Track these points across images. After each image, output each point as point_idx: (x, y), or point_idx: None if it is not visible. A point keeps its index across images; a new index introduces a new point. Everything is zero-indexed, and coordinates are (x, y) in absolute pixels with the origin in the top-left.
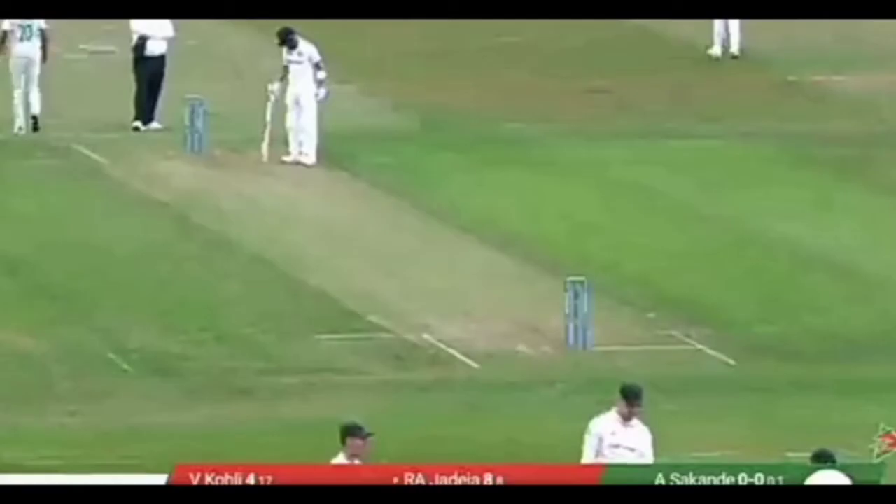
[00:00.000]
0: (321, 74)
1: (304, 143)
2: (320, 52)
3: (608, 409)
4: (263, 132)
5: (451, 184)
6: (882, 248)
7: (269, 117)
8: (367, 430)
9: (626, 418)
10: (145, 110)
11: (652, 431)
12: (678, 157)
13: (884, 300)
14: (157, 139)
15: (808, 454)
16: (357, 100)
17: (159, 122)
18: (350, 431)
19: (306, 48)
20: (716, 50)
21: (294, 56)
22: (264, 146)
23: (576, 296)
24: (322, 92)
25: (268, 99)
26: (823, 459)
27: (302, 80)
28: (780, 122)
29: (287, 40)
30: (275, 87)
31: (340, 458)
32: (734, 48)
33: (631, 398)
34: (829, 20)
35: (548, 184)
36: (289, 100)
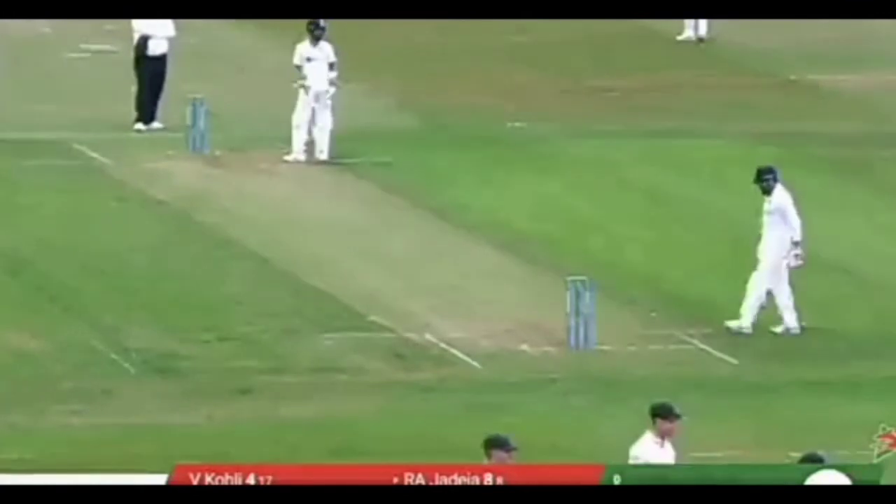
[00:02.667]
0: (332, 74)
1: (319, 140)
2: (336, 53)
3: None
4: (300, 133)
5: (455, 183)
6: (883, 248)
7: (303, 116)
8: (513, 444)
9: (665, 437)
10: (147, 110)
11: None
12: (680, 157)
13: (885, 300)
14: (158, 138)
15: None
16: (361, 99)
17: (161, 121)
18: (496, 444)
19: (325, 46)
20: (688, 34)
21: (315, 52)
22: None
23: (578, 295)
24: (332, 89)
25: (300, 89)
26: (812, 462)
27: (321, 78)
28: (781, 122)
29: (314, 32)
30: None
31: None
32: (702, 32)
33: (671, 415)
34: (831, 20)
35: (551, 183)
36: (306, 98)
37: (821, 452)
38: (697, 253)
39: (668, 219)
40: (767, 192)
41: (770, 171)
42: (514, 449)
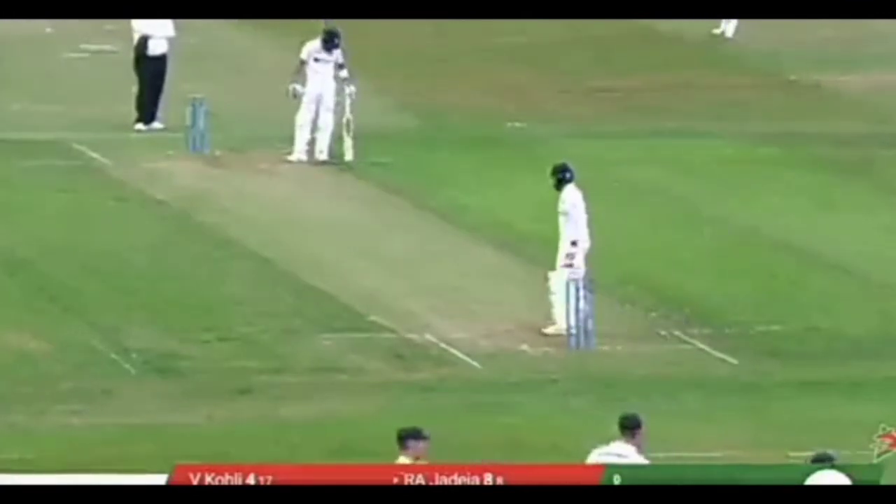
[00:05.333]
0: (343, 73)
1: (320, 140)
2: (343, 53)
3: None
4: (304, 132)
5: (455, 183)
6: (884, 248)
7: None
8: (426, 433)
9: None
10: (147, 110)
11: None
12: (680, 157)
13: (886, 300)
14: (158, 139)
15: (810, 454)
16: (361, 99)
17: (161, 121)
18: (411, 435)
19: (336, 51)
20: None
21: (323, 53)
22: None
23: (578, 295)
24: (352, 88)
25: (292, 97)
26: (822, 462)
27: (329, 80)
28: (782, 122)
29: (334, 42)
30: (298, 87)
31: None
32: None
33: (635, 427)
34: (831, 20)
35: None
36: (309, 98)
37: (830, 452)
38: (698, 253)
39: (669, 219)
40: (558, 189)
41: (563, 168)
42: (428, 437)
